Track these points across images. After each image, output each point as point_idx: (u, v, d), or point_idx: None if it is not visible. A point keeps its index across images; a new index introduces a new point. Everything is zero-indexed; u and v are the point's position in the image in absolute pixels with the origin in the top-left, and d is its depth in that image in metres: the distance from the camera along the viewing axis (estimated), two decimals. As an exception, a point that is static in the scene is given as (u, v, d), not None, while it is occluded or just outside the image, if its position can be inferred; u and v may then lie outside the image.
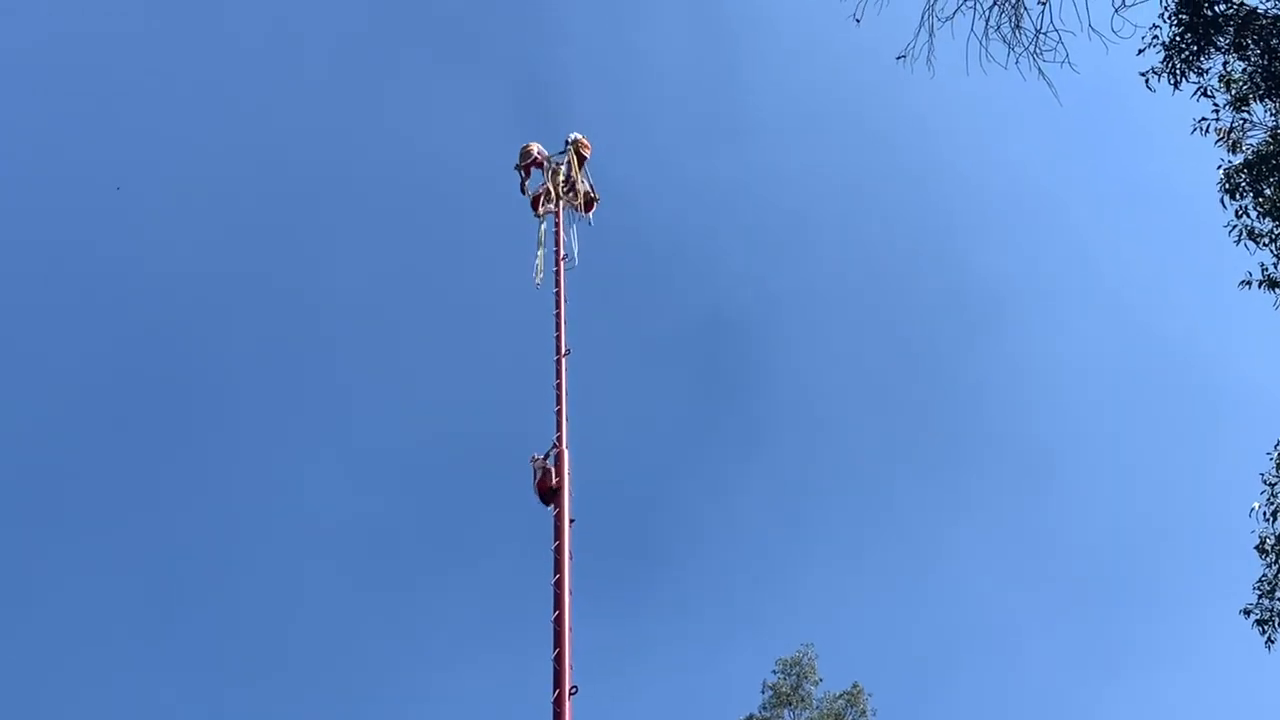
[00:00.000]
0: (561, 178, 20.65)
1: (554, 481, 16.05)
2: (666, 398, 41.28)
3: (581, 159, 21.00)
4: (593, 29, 45.51)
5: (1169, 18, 15.35)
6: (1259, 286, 16.74)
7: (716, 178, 44.90)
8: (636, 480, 37.49)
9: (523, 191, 20.76)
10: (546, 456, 16.50)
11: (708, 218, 44.94)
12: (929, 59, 15.32)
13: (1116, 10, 14.67)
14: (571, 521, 15.61)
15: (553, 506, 15.88)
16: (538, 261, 19.90)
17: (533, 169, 20.90)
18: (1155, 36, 15.41)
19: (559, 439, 16.85)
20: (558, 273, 19.20)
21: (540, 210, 20.51)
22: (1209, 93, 15.69)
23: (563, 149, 20.99)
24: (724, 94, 46.50)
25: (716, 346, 43.14)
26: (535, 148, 20.98)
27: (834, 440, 42.06)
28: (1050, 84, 15.20)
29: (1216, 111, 15.82)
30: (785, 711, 30.21)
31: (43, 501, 34.86)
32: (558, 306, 18.67)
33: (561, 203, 20.43)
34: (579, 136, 21.27)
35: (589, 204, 20.78)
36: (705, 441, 41.19)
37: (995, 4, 15.19)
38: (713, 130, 46.36)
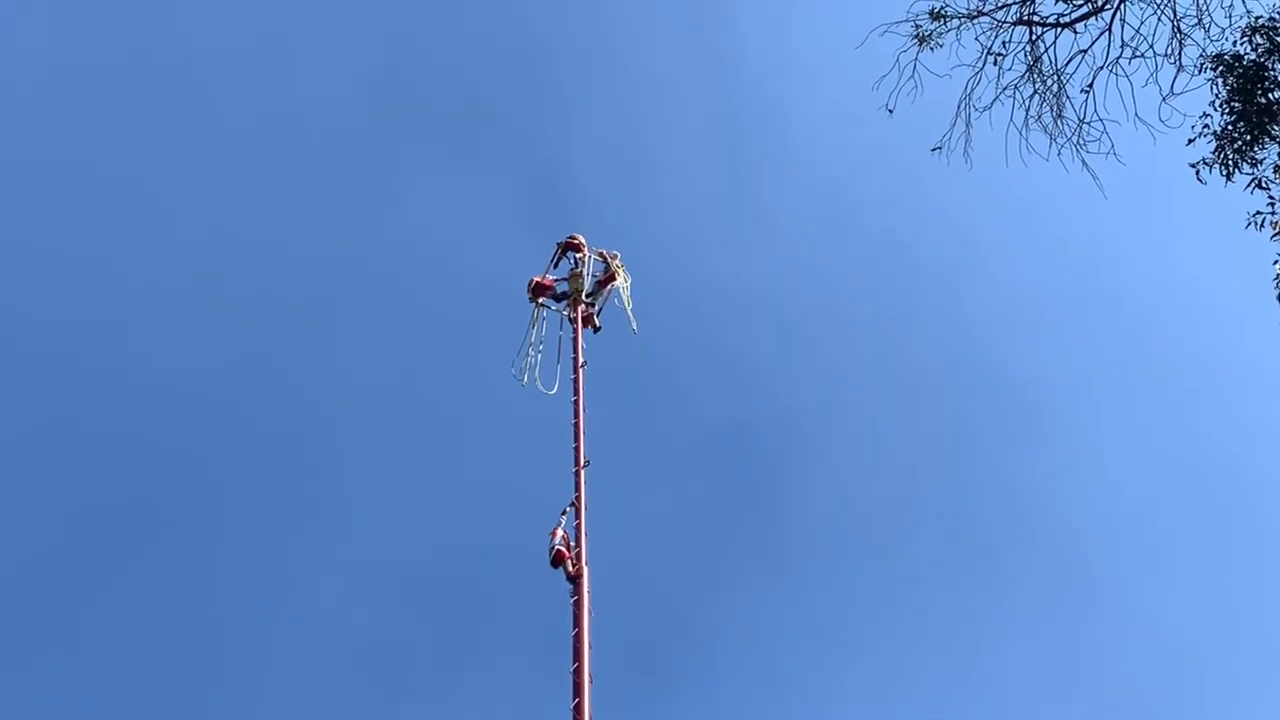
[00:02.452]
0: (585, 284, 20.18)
1: (572, 569, 15.77)
2: (689, 511, 39.94)
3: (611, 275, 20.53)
4: (606, 125, 45.06)
5: (1220, 106, 14.54)
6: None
7: (739, 278, 44.02)
8: (658, 597, 36.15)
9: (554, 265, 20.45)
10: (561, 525, 16.45)
11: (730, 320, 43.94)
12: (966, 150, 14.68)
13: (1164, 99, 14.00)
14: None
15: (570, 590, 15.53)
16: (527, 360, 19.50)
17: (568, 253, 20.58)
18: (1206, 125, 14.58)
19: (578, 554, 16.07)
20: (576, 380, 18.44)
21: (539, 299, 20.10)
22: (1264, 184, 14.78)
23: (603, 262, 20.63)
24: (746, 190, 45.79)
25: (741, 456, 41.91)
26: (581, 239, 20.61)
27: (865, 554, 40.58)
28: (1094, 176, 14.53)
29: (1272, 204, 14.89)
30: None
31: (33, 612, 33.73)
32: (576, 416, 17.90)
33: (579, 307, 19.79)
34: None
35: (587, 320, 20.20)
36: (730, 556, 39.77)
37: (1036, 93, 14.54)
38: (735, 228, 45.61)
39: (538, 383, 19.27)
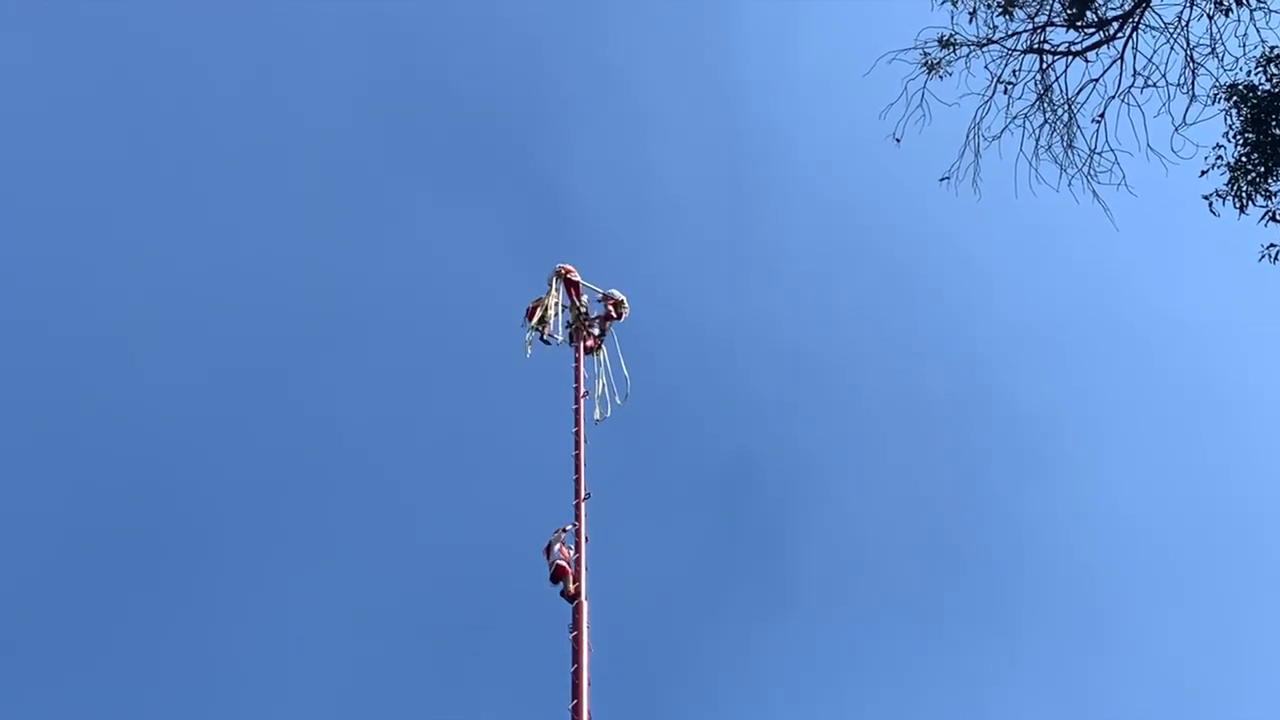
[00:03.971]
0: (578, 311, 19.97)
1: (572, 590, 15.56)
2: (692, 545, 39.41)
3: (573, 285, 20.27)
4: (606, 151, 44.77)
5: (1234, 137, 14.27)
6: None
7: (741, 307, 43.67)
8: (659, 633, 35.61)
9: (545, 342, 19.91)
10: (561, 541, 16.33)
11: (733, 355, 43.57)
12: (975, 180, 14.43)
13: (1177, 129, 13.75)
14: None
15: (569, 625, 15.10)
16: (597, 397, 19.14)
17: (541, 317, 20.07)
18: (1219, 157, 14.30)
19: (579, 588, 15.70)
20: (577, 412, 18.11)
21: (587, 341, 19.77)
22: (1278, 217, 14.50)
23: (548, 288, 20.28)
24: (749, 218, 45.40)
25: (744, 489, 41.46)
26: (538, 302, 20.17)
27: (870, 590, 39.99)
28: (1105, 207, 14.26)
29: (1287, 237, 14.59)
30: None
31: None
32: (577, 448, 17.53)
33: (583, 335, 19.56)
34: (562, 267, 20.48)
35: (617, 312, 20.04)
36: (733, 592, 39.14)
37: (1046, 122, 14.28)
38: (737, 256, 45.22)
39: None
